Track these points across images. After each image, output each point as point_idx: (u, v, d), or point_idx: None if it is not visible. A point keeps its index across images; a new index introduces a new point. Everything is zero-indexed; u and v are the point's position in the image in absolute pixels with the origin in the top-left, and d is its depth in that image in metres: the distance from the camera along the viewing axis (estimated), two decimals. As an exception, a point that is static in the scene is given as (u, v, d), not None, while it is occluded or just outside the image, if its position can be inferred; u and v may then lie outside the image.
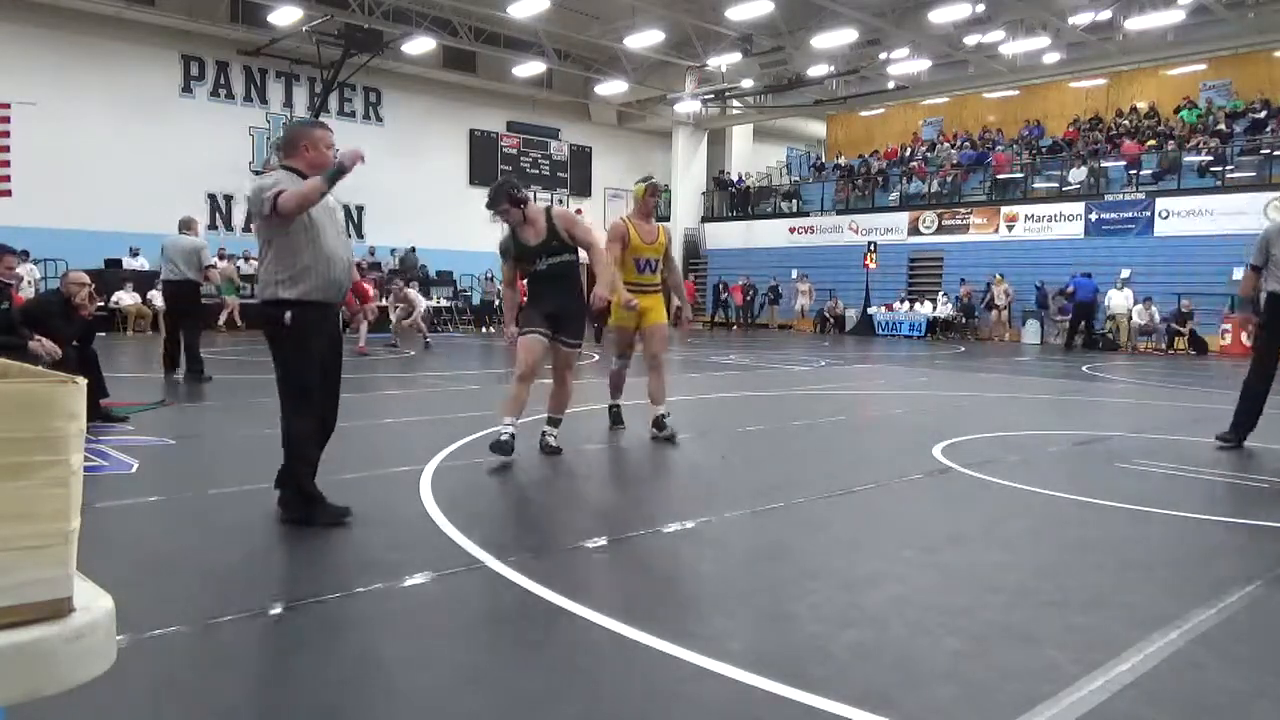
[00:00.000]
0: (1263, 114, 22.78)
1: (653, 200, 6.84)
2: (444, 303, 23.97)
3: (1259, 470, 6.05)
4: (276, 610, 3.06)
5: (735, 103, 29.86)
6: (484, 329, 22.88)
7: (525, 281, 5.93)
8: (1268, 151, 21.30)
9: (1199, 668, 2.74)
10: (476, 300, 25.12)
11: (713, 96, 28.46)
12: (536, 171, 29.64)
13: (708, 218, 31.46)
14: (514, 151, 29.09)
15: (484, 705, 2.45)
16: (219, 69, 23.38)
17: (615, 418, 7.04)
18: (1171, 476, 5.75)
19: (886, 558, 3.87)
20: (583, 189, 30.89)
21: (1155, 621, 3.04)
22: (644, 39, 23.54)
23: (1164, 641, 2.89)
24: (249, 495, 4.54)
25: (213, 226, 23.06)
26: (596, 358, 14.08)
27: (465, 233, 26.15)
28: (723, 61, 25.33)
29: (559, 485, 5.33)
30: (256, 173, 23.49)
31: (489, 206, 5.67)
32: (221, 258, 21.85)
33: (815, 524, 4.45)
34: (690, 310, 7.72)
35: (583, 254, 5.84)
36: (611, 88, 27.61)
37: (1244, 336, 18.67)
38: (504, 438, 5.42)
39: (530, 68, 25.87)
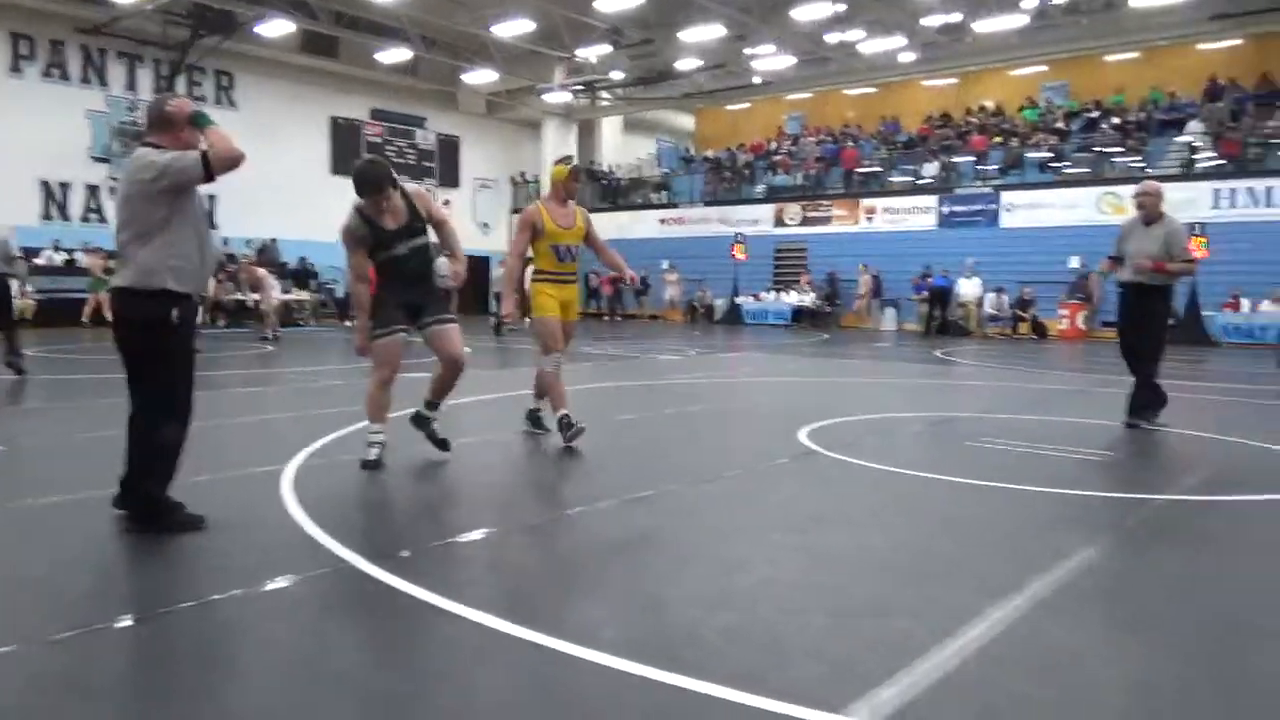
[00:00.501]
0: (1096, 114, 24.46)
1: (575, 184, 6.23)
2: (306, 296, 23.12)
3: (1093, 444, 6.50)
4: (125, 623, 2.88)
5: (605, 94, 29.92)
6: (346, 322, 22.23)
7: (375, 270, 5.24)
8: (1100, 149, 22.88)
9: (1040, 631, 2.92)
10: (340, 293, 24.34)
11: (583, 88, 28.45)
12: (402, 161, 28.91)
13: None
14: (378, 140, 28.29)
15: (350, 710, 2.38)
16: (53, 48, 21.76)
17: (571, 427, 6.03)
18: (1017, 453, 6.11)
19: (755, 541, 3.97)
20: (451, 179, 30.34)
21: (1002, 589, 3.23)
22: (513, 28, 23.29)
23: (1010, 608, 3.07)
24: (89, 503, 4.25)
25: (47, 216, 21.51)
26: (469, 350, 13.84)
27: (328, 223, 25.16)
28: (592, 53, 25.33)
29: (430, 481, 5.22)
30: (99, 159, 22.05)
31: (375, 193, 4.99)
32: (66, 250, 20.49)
33: (686, 511, 4.52)
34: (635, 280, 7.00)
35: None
36: (480, 76, 27.18)
37: (1079, 320, 20.06)
38: (374, 455, 5.15)
39: (395, 54, 25.18)
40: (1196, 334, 18.22)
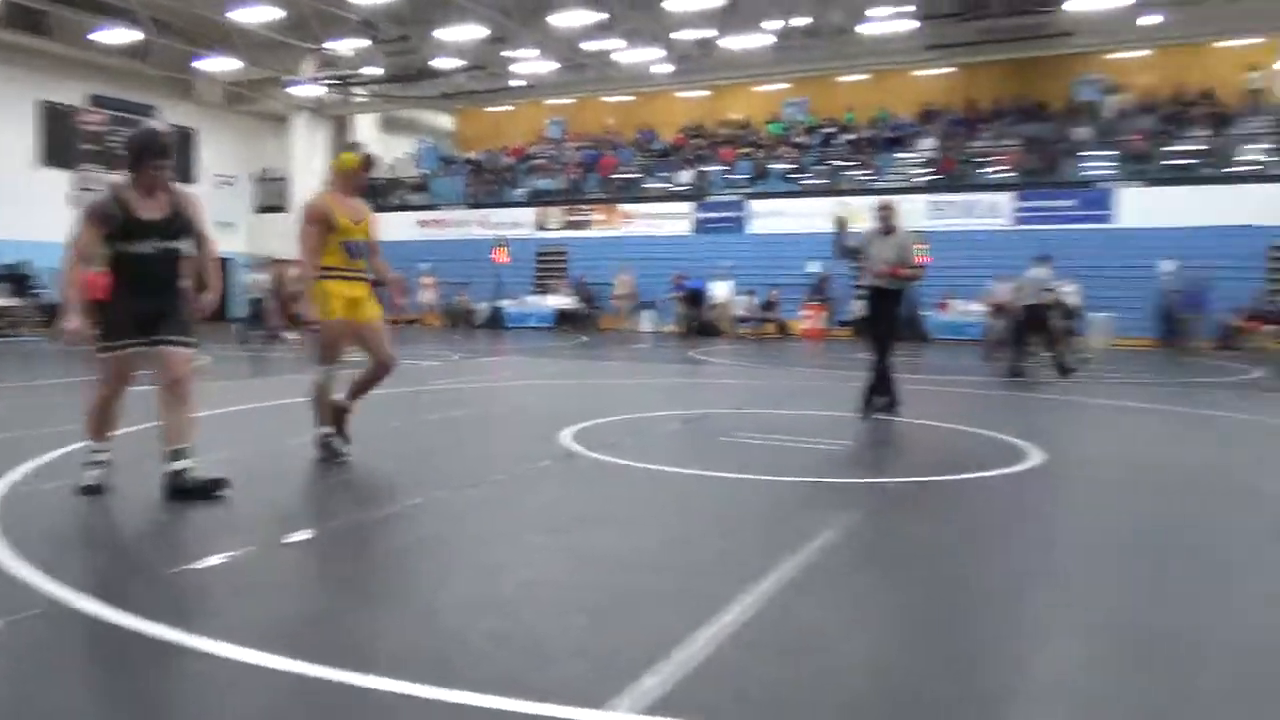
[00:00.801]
0: (832, 130, 26.55)
1: (366, 175, 5.76)
2: (18, 302, 20.53)
3: (835, 435, 7.03)
4: None
5: (359, 90, 28.78)
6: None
7: (111, 266, 4.55)
8: (835, 163, 24.85)
9: (790, 613, 3.11)
10: (55, 296, 21.80)
11: (335, 82, 27.18)
12: (129, 154, 26.36)
13: (333, 209, 30.00)
14: (100, 129, 25.61)
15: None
16: None
17: (331, 450, 5.56)
18: (767, 446, 6.49)
19: (520, 544, 3.95)
20: (186, 175, 28.01)
21: (755, 576, 3.40)
22: (255, 14, 21.87)
23: (761, 593, 3.24)
24: None
25: None
26: (210, 360, 12.83)
27: (36, 221, 22.46)
28: (345, 46, 24.27)
29: (162, 504, 4.76)
30: None
31: (160, 157, 4.49)
32: None
33: (451, 518, 4.43)
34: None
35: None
36: (219, 64, 25.30)
37: (820, 320, 21.60)
38: (94, 478, 4.57)
39: (120, 35, 22.88)
40: (915, 331, 20.18)
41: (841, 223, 8.22)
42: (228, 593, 3.36)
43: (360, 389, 5.83)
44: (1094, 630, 3.06)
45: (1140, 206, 20.86)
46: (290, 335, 19.66)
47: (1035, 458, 6.05)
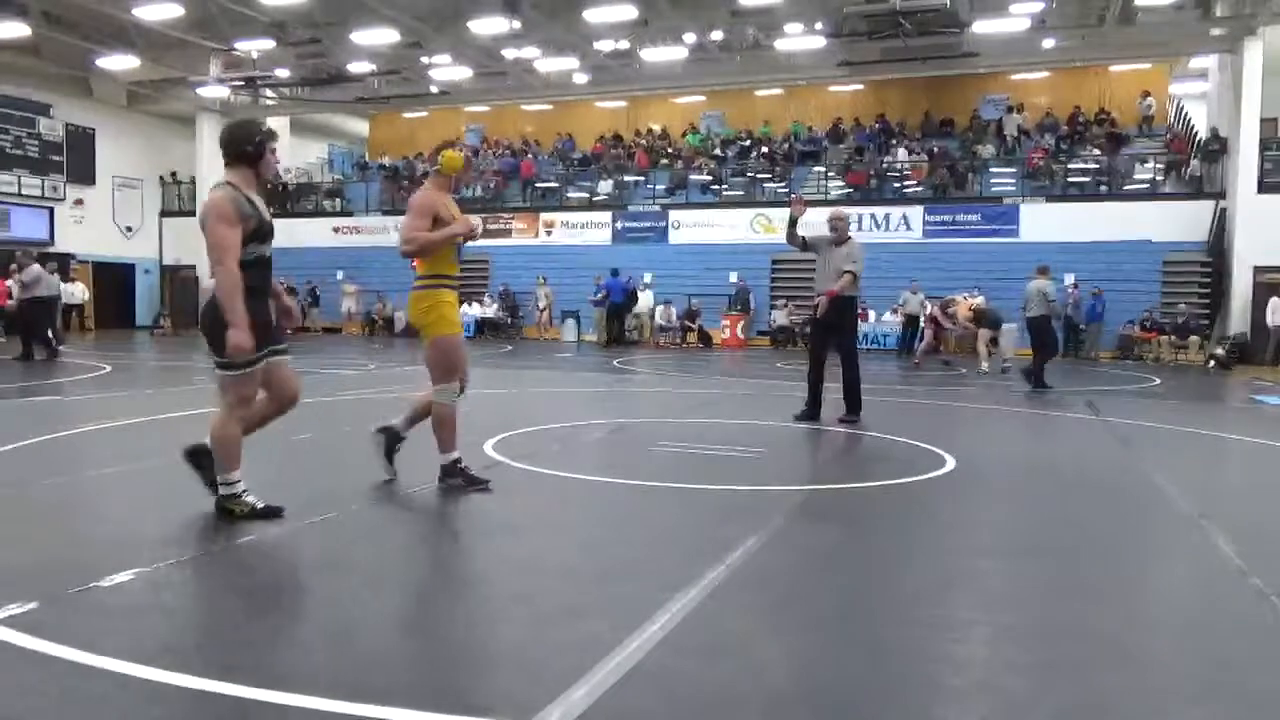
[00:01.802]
0: (749, 143, 26.92)
1: (470, 174, 5.50)
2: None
3: (753, 442, 7.11)
4: None
5: (269, 93, 28.05)
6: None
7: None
8: (753, 175, 25.22)
9: (714, 618, 3.14)
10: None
11: (243, 84, 26.41)
12: (21, 153, 25.18)
13: (242, 214, 29.18)
14: (-9, 127, 24.44)
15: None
16: None
17: (469, 476, 5.18)
18: (688, 454, 6.54)
19: (446, 556, 3.91)
20: (84, 176, 26.90)
21: (679, 583, 3.42)
22: (157, 11, 21.08)
23: (686, 599, 3.26)
24: None
25: None
26: (109, 369, 12.31)
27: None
28: (253, 47, 23.61)
29: (65, 518, 4.55)
30: None
31: (272, 137, 4.24)
32: None
33: (372, 531, 4.34)
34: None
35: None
36: (119, 62, 24.33)
37: (739, 330, 21.87)
38: (261, 504, 4.29)
39: (10, 29, 21.81)
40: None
41: (798, 205, 8.27)
42: (141, 612, 3.22)
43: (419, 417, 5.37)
44: (1012, 630, 3.16)
45: (1042, 221, 21.72)
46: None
47: (952, 463, 6.23)
